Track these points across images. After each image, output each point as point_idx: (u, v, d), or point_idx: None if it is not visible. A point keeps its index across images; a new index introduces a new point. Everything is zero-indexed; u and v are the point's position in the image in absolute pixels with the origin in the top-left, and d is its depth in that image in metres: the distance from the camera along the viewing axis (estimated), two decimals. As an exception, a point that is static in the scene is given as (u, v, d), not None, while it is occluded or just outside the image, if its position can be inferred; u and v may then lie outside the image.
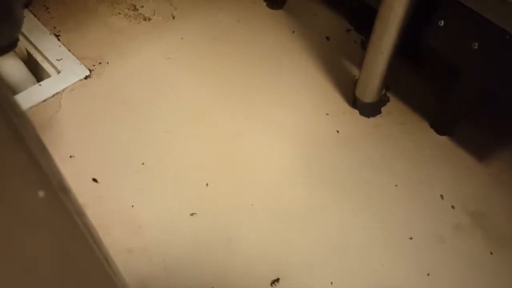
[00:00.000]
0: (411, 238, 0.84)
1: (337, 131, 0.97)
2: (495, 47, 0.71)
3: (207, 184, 0.88)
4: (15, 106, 0.17)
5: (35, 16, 1.11)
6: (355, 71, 1.07)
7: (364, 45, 1.12)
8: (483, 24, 0.70)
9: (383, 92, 0.99)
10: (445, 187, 0.90)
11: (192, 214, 0.85)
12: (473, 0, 0.69)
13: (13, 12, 0.39)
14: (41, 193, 0.16)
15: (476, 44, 0.73)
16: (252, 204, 0.86)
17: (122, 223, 0.83)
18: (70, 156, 0.90)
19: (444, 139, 0.96)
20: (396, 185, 0.90)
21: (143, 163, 0.90)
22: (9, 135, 0.16)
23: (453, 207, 0.88)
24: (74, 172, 0.88)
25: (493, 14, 0.67)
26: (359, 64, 1.08)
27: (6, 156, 0.16)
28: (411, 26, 0.79)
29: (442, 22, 0.76)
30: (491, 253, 0.84)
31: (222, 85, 1.03)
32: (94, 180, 0.88)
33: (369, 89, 0.92)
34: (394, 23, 0.76)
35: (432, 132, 0.97)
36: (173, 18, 1.13)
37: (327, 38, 1.13)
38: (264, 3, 1.18)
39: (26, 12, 1.11)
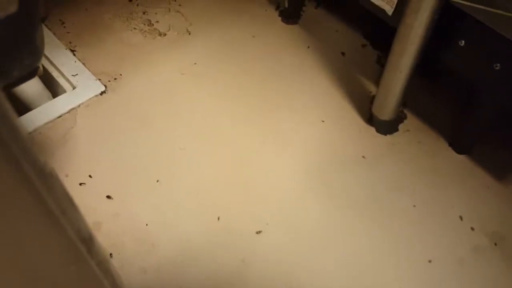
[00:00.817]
0: (430, 261, 0.82)
1: (353, 149, 0.95)
2: (518, 68, 0.70)
3: (221, 203, 0.87)
4: (43, 169, 0.16)
5: (50, 30, 1.12)
6: (371, 86, 1.06)
7: (380, 61, 1.11)
8: (505, 45, 0.69)
9: (400, 108, 0.98)
10: (464, 208, 0.88)
11: (206, 233, 0.84)
12: (495, 21, 0.68)
13: (34, 42, 0.38)
14: (72, 267, 0.15)
15: (498, 65, 0.71)
16: (267, 224, 0.85)
17: (136, 242, 0.83)
18: (85, 173, 0.90)
19: (462, 158, 0.95)
20: (414, 206, 0.88)
21: (157, 180, 0.90)
22: (45, 218, 0.15)
23: (472, 228, 0.86)
24: (88, 189, 0.88)
25: (517, 35, 0.66)
26: (375, 79, 1.07)
27: (43, 239, 0.15)
28: (431, 44, 0.78)
29: (463, 42, 0.74)
30: (512, 277, 0.81)
31: (237, 100, 1.02)
32: (108, 197, 0.87)
33: (387, 107, 0.91)
34: (414, 43, 0.75)
35: (450, 151, 0.96)
36: (188, 33, 1.13)
37: (343, 53, 1.12)
38: (279, 18, 1.17)
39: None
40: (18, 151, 0.14)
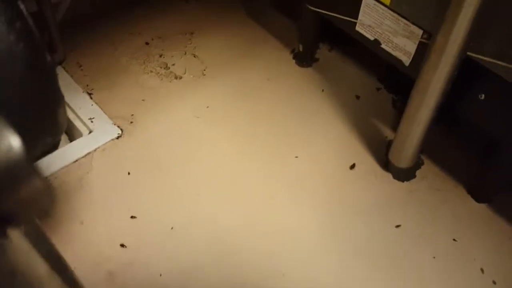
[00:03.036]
0: (451, 317, 0.79)
1: (370, 197, 0.94)
2: (540, 124, 0.69)
3: (237, 252, 0.86)
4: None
5: (68, 73, 1.13)
6: (386, 131, 1.05)
7: (395, 104, 1.11)
8: (527, 101, 0.68)
9: (418, 155, 0.97)
10: (486, 260, 0.86)
11: (222, 284, 0.82)
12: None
13: (57, 121, 0.39)
14: None
15: (520, 120, 0.70)
16: (283, 274, 0.84)
17: (150, 293, 0.82)
18: (100, 220, 0.89)
19: (482, 207, 0.93)
20: (434, 257, 0.86)
21: (172, 228, 0.89)
22: None
23: (494, 282, 0.84)
24: (103, 237, 0.87)
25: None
26: (391, 123, 1.06)
27: None
28: (450, 97, 0.77)
29: (483, 95, 0.74)
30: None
31: (252, 145, 1.02)
32: (122, 245, 0.86)
33: (404, 156, 0.90)
34: (433, 97, 0.74)
35: (469, 199, 0.94)
36: (204, 76, 1.14)
37: (357, 97, 1.12)
38: (294, 61, 1.18)
39: (59, 69, 1.14)
40: None
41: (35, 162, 0.76)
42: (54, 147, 0.41)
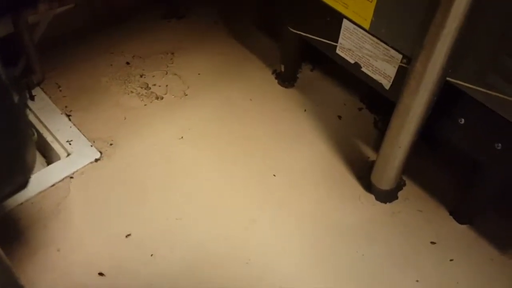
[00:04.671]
0: None
1: (353, 219, 0.94)
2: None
3: (218, 280, 0.84)
4: None
5: (46, 94, 1.11)
6: (368, 151, 1.06)
7: (376, 125, 1.11)
8: (506, 126, 0.68)
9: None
10: (468, 283, 0.86)
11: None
12: (494, 102, 0.68)
13: (25, 161, 0.37)
14: None
15: (500, 145, 0.71)
16: (266, 301, 0.82)
17: (129, 323, 0.79)
18: (77, 247, 0.87)
19: (464, 228, 0.93)
20: (417, 281, 0.85)
21: (151, 255, 0.87)
22: None
23: (477, 304, 0.84)
24: (80, 265, 0.85)
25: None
26: (373, 144, 1.06)
27: None
28: (430, 120, 0.78)
29: (463, 120, 0.74)
30: None
31: (235, 165, 1.01)
32: (101, 274, 0.84)
33: (386, 178, 0.89)
34: (413, 122, 0.74)
35: (451, 220, 0.94)
36: (185, 96, 1.13)
37: (339, 117, 1.12)
38: (276, 81, 1.18)
39: (37, 90, 1.12)
40: None
41: (4, 201, 0.73)
42: (23, 186, 0.39)
